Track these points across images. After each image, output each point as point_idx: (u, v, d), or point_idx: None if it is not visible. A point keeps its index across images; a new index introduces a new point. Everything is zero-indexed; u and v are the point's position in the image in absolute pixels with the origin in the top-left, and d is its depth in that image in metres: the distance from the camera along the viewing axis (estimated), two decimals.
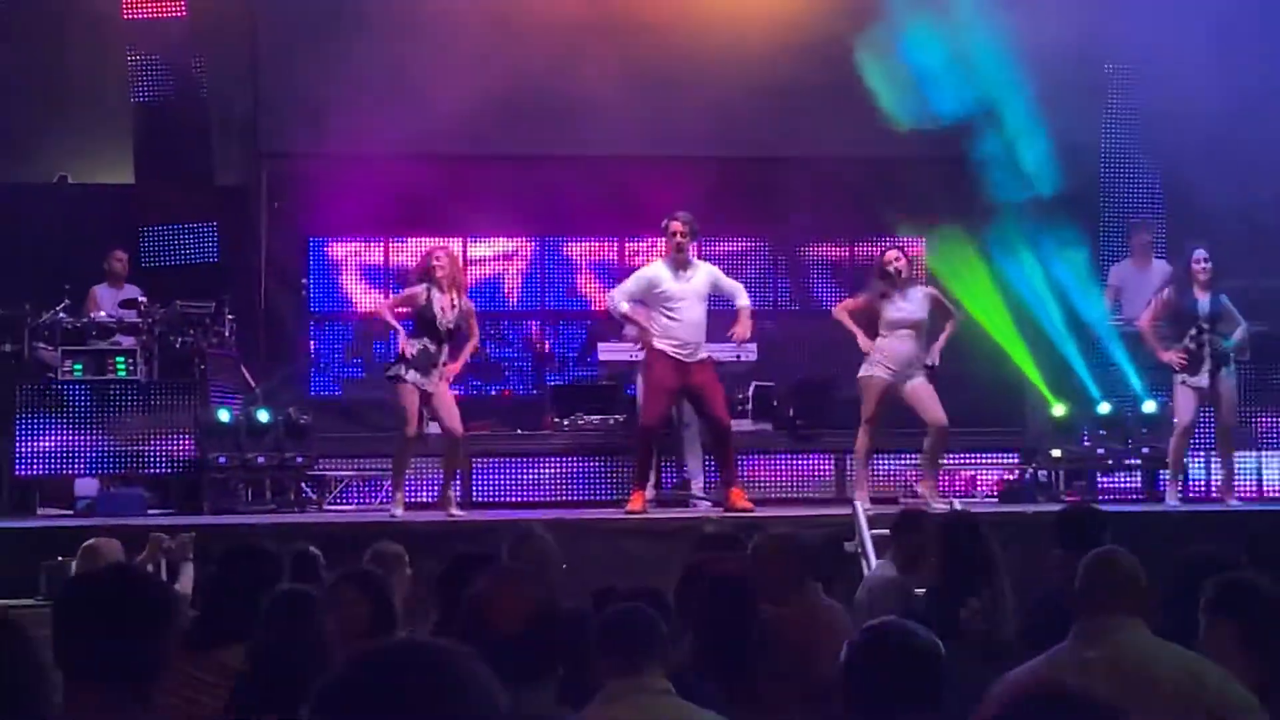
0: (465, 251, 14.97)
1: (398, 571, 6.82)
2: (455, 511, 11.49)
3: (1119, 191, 15.37)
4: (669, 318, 11.45)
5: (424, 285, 11.37)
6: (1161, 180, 14.92)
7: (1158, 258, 13.84)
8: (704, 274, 11.64)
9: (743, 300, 11.70)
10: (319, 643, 4.97)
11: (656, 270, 11.65)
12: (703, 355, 11.53)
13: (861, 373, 11.55)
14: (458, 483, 11.99)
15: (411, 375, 11.26)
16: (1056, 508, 8.97)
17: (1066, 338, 13.86)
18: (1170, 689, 4.37)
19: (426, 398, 11.33)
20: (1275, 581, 4.78)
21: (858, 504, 10.83)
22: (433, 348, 11.28)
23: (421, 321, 11.35)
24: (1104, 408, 13.31)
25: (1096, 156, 15.29)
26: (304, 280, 15.76)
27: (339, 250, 15.93)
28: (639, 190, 14.50)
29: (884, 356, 11.44)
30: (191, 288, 13.80)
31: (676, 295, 11.46)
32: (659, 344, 11.48)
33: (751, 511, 11.15)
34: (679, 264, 11.53)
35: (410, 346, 11.29)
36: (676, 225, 11.49)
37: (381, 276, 15.71)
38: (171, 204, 14.97)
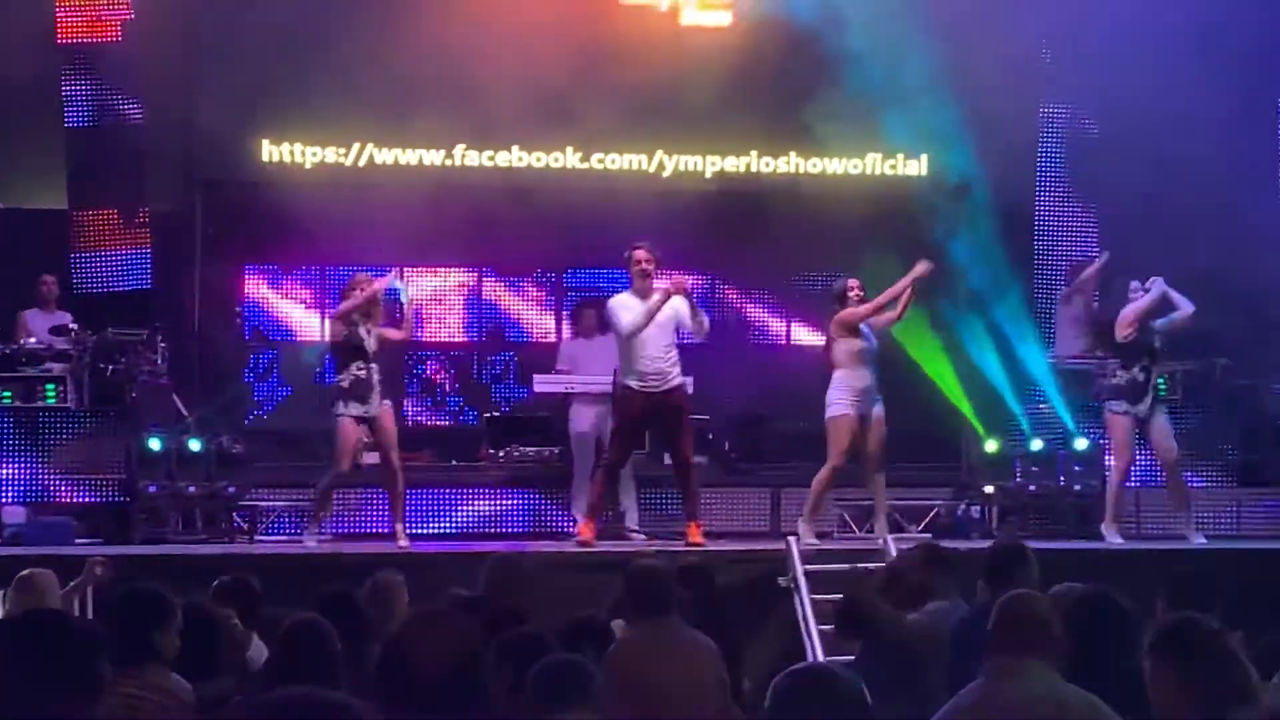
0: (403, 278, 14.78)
1: (398, 603, 6.85)
2: (403, 542, 11.44)
3: (1054, 233, 15.42)
4: (634, 349, 11.28)
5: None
6: (1096, 222, 15.01)
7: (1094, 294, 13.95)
8: (670, 304, 11.34)
9: (700, 327, 11.41)
10: (331, 669, 4.95)
11: (620, 301, 11.45)
12: (674, 383, 11.34)
13: (831, 413, 11.34)
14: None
15: (352, 408, 11.27)
16: (987, 544, 8.96)
17: (1001, 374, 13.91)
18: None
19: (368, 425, 11.37)
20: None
21: (791, 540, 10.80)
22: (362, 373, 11.30)
23: (348, 349, 11.39)
24: (1036, 444, 13.37)
25: (1033, 196, 15.34)
26: (237, 309, 15.62)
27: (274, 279, 15.78)
28: (582, 220, 14.48)
29: (850, 392, 11.31)
30: (124, 315, 13.67)
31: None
32: (628, 379, 11.36)
33: (703, 548, 11.09)
34: (643, 293, 11.37)
35: (344, 379, 11.36)
36: (643, 254, 11.35)
37: (317, 305, 15.56)
38: (104, 230, 14.81)
